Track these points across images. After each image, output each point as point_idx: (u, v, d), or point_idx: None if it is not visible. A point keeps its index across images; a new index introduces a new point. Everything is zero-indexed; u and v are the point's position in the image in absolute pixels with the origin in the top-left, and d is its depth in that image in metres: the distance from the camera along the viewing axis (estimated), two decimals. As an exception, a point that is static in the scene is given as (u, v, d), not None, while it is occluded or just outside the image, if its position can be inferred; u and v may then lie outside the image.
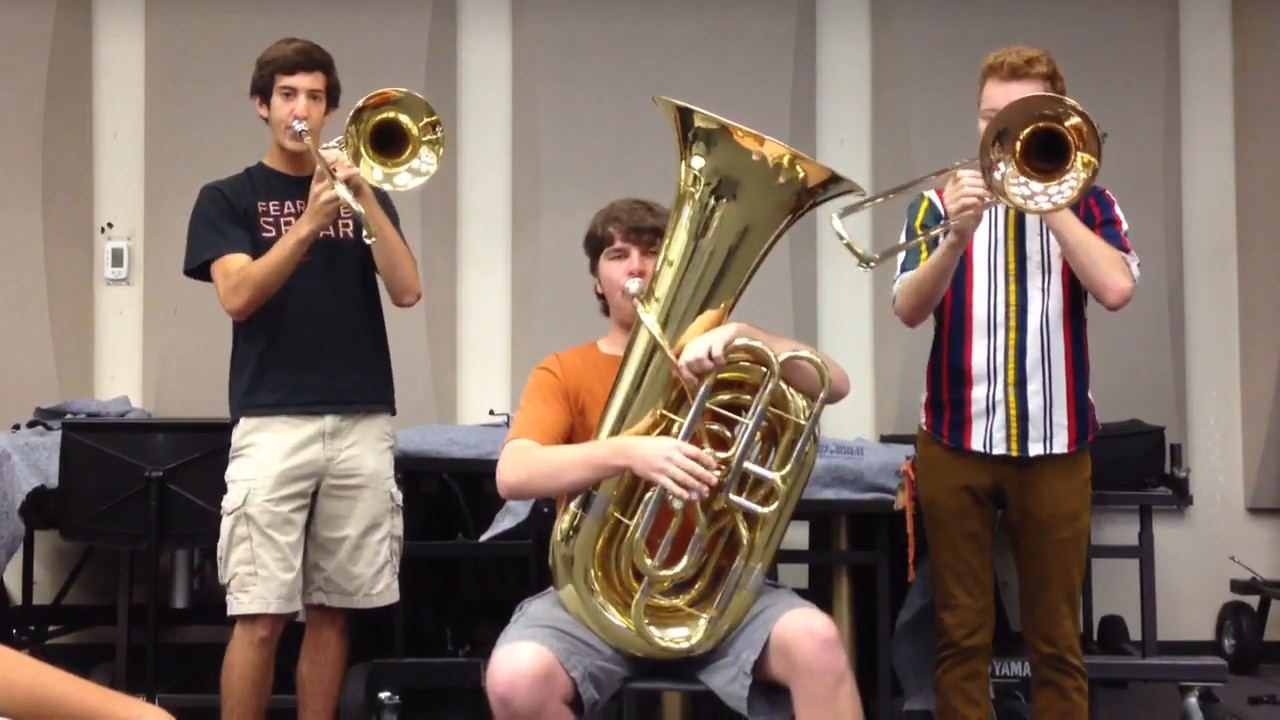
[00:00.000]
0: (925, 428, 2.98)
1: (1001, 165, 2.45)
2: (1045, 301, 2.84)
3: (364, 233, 2.87)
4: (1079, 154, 2.41)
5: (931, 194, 2.94)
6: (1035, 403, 2.83)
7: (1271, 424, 4.79)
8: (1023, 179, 2.45)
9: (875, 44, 5.04)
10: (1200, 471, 4.76)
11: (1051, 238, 2.81)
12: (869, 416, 4.88)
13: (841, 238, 2.56)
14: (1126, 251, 2.81)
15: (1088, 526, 2.93)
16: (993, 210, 2.85)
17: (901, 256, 2.91)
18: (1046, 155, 2.45)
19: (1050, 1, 4.90)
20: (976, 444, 2.86)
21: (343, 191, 2.85)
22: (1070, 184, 2.43)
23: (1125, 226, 2.86)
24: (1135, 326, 4.69)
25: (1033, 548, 2.87)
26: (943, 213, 2.86)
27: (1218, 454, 4.93)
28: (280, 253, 2.95)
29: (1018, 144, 2.44)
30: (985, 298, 2.86)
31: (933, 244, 2.83)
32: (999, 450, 2.84)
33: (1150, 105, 4.87)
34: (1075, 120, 2.40)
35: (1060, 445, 2.84)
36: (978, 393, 2.86)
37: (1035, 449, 2.83)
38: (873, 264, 2.63)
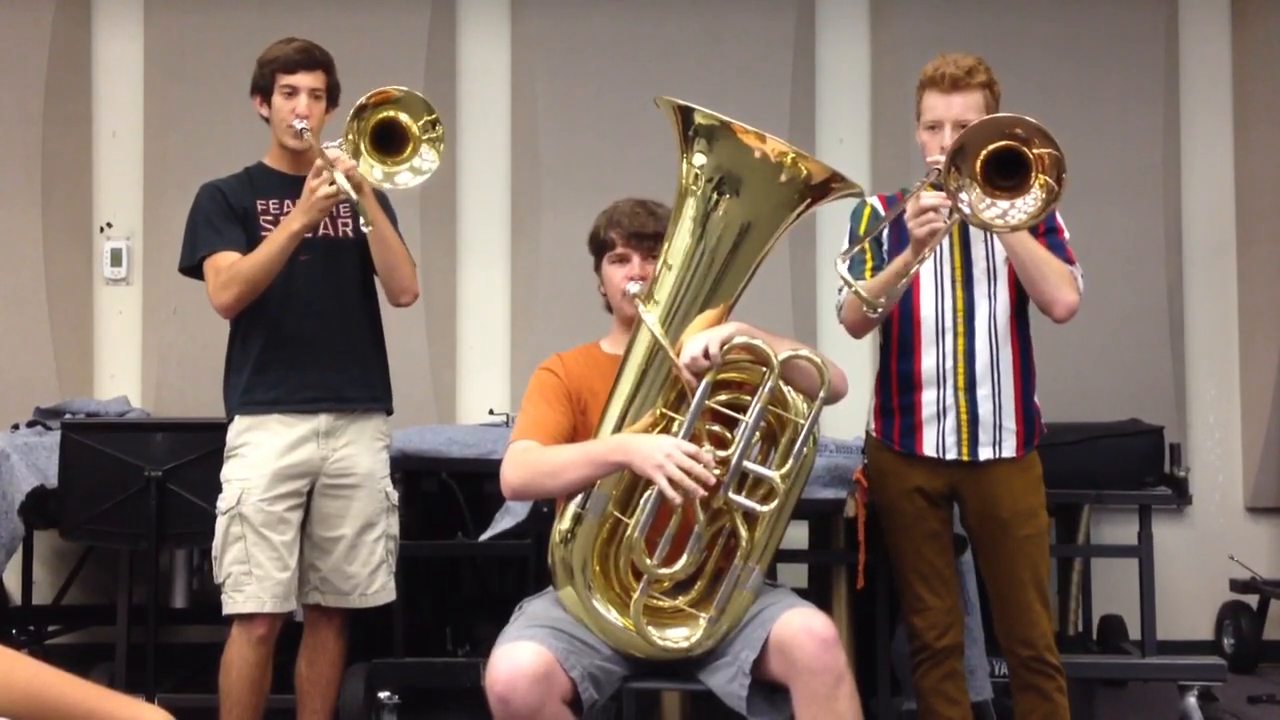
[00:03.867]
0: (875, 434, 2.98)
1: (964, 193, 2.44)
2: (992, 306, 2.84)
3: (361, 221, 2.87)
4: (1038, 175, 2.39)
5: (874, 199, 2.95)
6: (985, 407, 2.83)
7: (1271, 423, 4.79)
8: (989, 200, 2.44)
9: (874, 43, 5.04)
10: (1199, 471, 4.76)
11: (996, 243, 2.82)
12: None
13: (850, 284, 2.58)
14: (1071, 262, 2.81)
15: (1048, 525, 2.92)
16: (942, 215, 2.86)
17: (846, 267, 2.90)
18: (1004, 172, 2.43)
19: (1049, 0, 4.90)
20: (928, 449, 2.86)
21: (341, 179, 2.84)
22: (1031, 200, 2.41)
23: (1067, 235, 2.86)
24: (1134, 325, 4.70)
25: (998, 549, 2.86)
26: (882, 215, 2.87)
27: (1217, 453, 4.93)
28: (271, 247, 2.95)
29: (977, 164, 2.43)
30: (933, 304, 2.86)
31: (878, 256, 2.85)
32: (951, 455, 2.84)
33: (1149, 103, 4.88)
34: (1042, 150, 2.38)
35: (1009, 449, 2.84)
36: (927, 397, 2.86)
37: (985, 453, 2.83)
38: (879, 309, 2.64)
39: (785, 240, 2.53)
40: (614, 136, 4.79)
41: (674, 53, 4.87)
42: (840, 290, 2.91)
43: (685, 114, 2.40)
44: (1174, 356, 4.85)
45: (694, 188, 2.41)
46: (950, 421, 2.84)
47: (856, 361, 4.76)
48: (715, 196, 2.39)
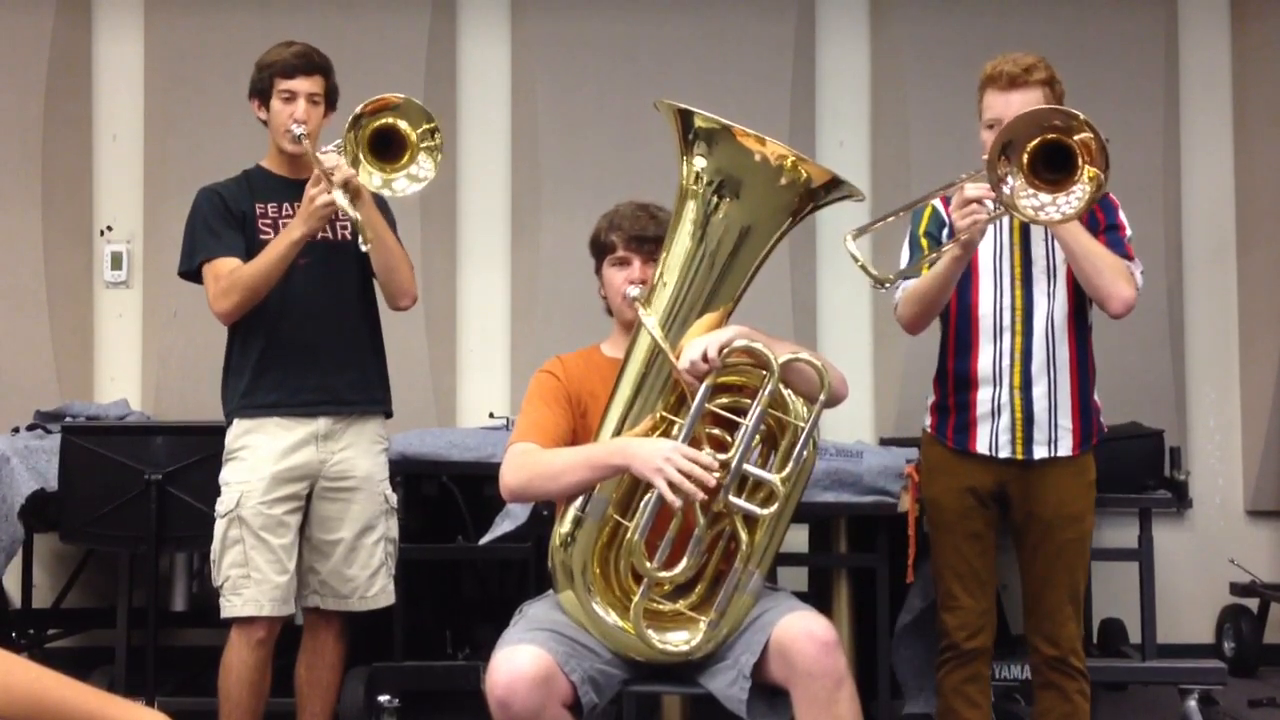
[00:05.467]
0: (930, 429, 2.99)
1: (1010, 179, 2.45)
2: (1050, 306, 2.85)
3: (360, 240, 2.87)
4: (1086, 167, 2.41)
5: (936, 201, 2.95)
6: (1040, 406, 2.83)
7: (1271, 426, 4.79)
8: (1031, 191, 2.46)
9: (874, 45, 5.04)
10: (1200, 474, 4.76)
11: (1056, 242, 2.82)
12: (868, 419, 4.88)
13: (856, 259, 2.60)
14: (1130, 259, 2.81)
15: (1091, 530, 2.93)
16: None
17: (904, 264, 2.92)
18: (1052, 166, 2.45)
19: (1049, 3, 4.91)
20: (982, 447, 2.86)
21: (340, 199, 2.85)
22: (1077, 195, 2.43)
23: (1129, 232, 2.87)
24: (1134, 329, 4.65)
25: (1037, 549, 2.87)
26: (946, 220, 2.88)
27: (1217, 456, 4.93)
28: (271, 255, 2.95)
29: (1025, 156, 2.44)
30: (991, 302, 2.86)
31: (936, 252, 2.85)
32: (1004, 453, 2.85)
33: (1149, 106, 4.88)
34: (1085, 135, 2.40)
35: (1065, 448, 2.85)
36: (983, 395, 2.86)
37: (1040, 452, 2.84)
38: (887, 285, 2.68)
39: (785, 243, 2.53)
40: (614, 139, 4.79)
41: (674, 56, 4.87)
42: (898, 287, 2.92)
43: (685, 117, 2.40)
44: (1174, 359, 4.85)
45: (694, 191, 2.41)
46: (1005, 420, 2.84)
47: (856, 364, 4.77)
48: (715, 200, 2.39)
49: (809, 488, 2.57)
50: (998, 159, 2.45)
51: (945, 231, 2.86)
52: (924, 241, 2.91)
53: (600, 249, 2.68)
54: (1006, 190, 2.46)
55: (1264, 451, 4.81)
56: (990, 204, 2.59)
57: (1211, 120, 5.01)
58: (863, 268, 2.61)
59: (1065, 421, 2.84)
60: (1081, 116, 2.41)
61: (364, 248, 2.91)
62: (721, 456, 2.35)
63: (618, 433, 2.44)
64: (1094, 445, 2.90)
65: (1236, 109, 5.01)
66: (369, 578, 3.10)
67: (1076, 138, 2.40)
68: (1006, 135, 2.46)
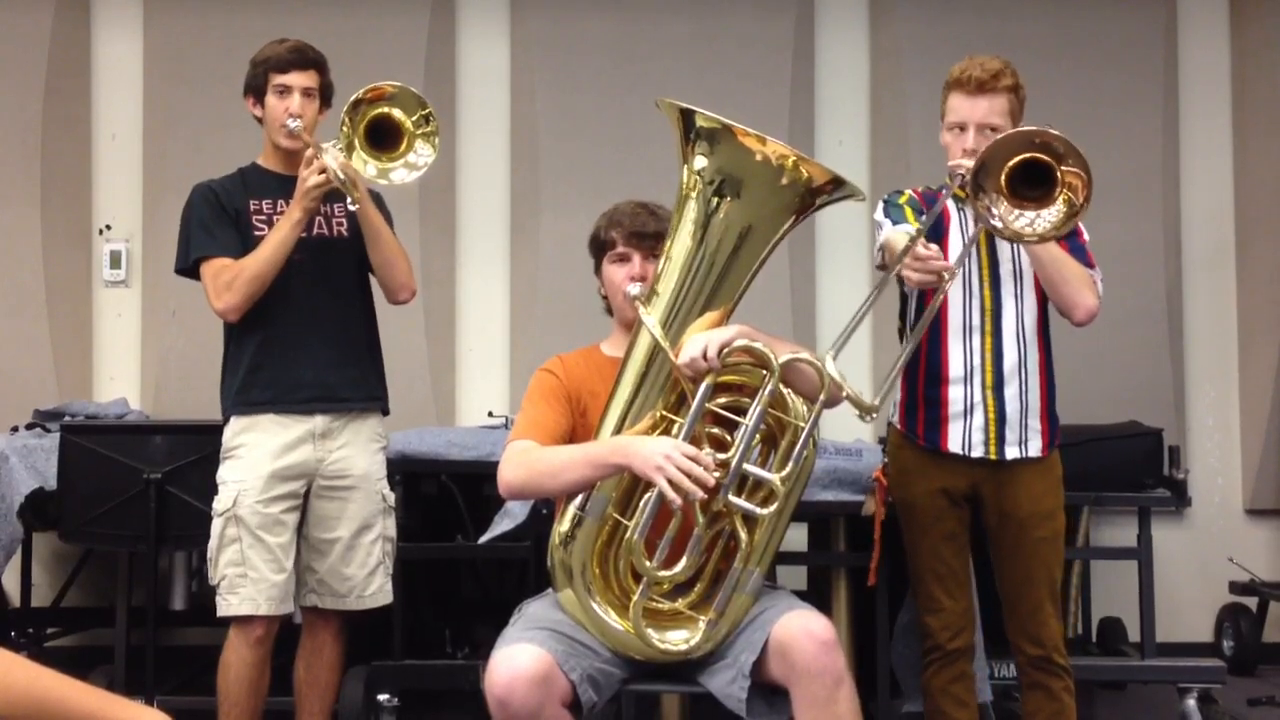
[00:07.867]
0: (899, 427, 2.98)
1: (994, 208, 2.44)
2: (1020, 308, 2.85)
3: (348, 200, 2.89)
4: (1063, 190, 2.40)
5: (909, 192, 2.94)
6: (1012, 407, 2.84)
7: (1270, 425, 4.80)
8: (1017, 211, 2.45)
9: (874, 45, 5.05)
10: (1199, 473, 4.77)
11: (1021, 246, 2.81)
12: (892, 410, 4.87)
13: (841, 390, 2.39)
14: (1092, 266, 2.83)
15: (1064, 526, 2.93)
16: (964, 216, 2.87)
17: (880, 215, 2.90)
18: (1029, 182, 2.44)
19: (1048, 3, 4.91)
20: (954, 445, 2.86)
21: (328, 160, 2.87)
22: (1055, 211, 2.42)
23: (1087, 237, 2.87)
24: (1134, 328, 4.70)
25: (1013, 549, 2.88)
26: (922, 209, 2.87)
27: (1216, 455, 4.94)
28: (273, 240, 2.96)
29: (1002, 179, 2.43)
30: (960, 303, 2.86)
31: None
32: (977, 453, 2.85)
33: (1149, 107, 4.88)
34: (1071, 170, 2.38)
35: (1035, 449, 2.86)
36: (955, 393, 2.86)
37: (1011, 452, 2.85)
38: (873, 416, 2.43)
39: (785, 243, 2.53)
40: (613, 139, 4.79)
41: (673, 55, 4.87)
42: (879, 230, 2.90)
43: (687, 116, 2.39)
44: (1173, 359, 4.86)
45: (695, 191, 2.41)
46: (978, 419, 2.84)
47: (855, 364, 4.77)
48: (716, 199, 2.39)
49: (808, 486, 2.57)
50: (977, 192, 2.44)
51: (919, 214, 2.84)
52: (907, 211, 2.88)
53: (600, 246, 2.68)
54: (996, 219, 2.44)
55: (1263, 450, 4.82)
56: (943, 267, 2.58)
57: (1211, 121, 5.02)
58: (846, 397, 2.40)
59: (1035, 424, 2.86)
60: (1076, 148, 2.37)
61: (351, 207, 2.93)
62: (721, 456, 2.35)
63: (618, 431, 2.44)
64: (1056, 446, 2.91)
65: (1236, 110, 5.02)
66: (366, 576, 3.10)
67: (1063, 168, 2.38)
68: (983, 160, 2.44)
